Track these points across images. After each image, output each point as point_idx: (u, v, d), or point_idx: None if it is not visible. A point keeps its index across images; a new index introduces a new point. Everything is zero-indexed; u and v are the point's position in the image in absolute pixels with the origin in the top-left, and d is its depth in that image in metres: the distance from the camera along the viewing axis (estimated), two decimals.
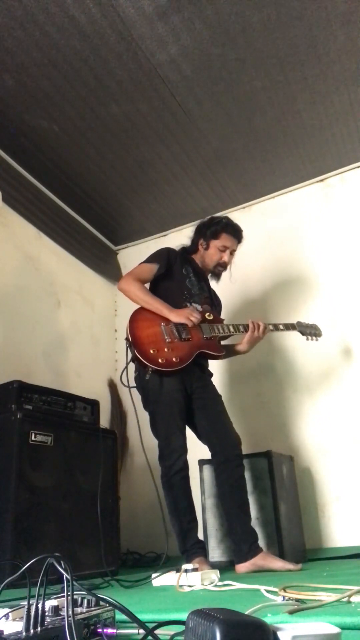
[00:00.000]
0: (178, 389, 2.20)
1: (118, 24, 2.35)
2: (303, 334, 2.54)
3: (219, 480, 2.19)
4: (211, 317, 2.39)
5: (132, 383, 2.27)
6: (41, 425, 2.10)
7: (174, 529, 2.11)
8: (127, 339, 2.24)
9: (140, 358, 2.15)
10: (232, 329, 2.37)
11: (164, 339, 2.21)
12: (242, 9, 2.32)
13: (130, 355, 2.23)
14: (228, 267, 2.57)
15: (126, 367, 2.21)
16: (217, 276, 2.61)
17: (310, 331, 2.56)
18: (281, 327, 2.48)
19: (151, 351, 2.16)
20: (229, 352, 2.46)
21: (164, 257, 2.44)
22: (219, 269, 2.55)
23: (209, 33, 2.42)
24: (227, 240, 2.50)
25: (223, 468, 2.16)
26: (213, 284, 2.68)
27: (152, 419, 2.23)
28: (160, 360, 2.15)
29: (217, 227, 2.51)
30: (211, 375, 2.43)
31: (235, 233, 2.54)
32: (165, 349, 2.19)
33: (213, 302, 2.58)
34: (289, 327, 2.50)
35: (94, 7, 2.27)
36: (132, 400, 2.26)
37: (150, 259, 2.43)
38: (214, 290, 2.66)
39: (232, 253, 2.54)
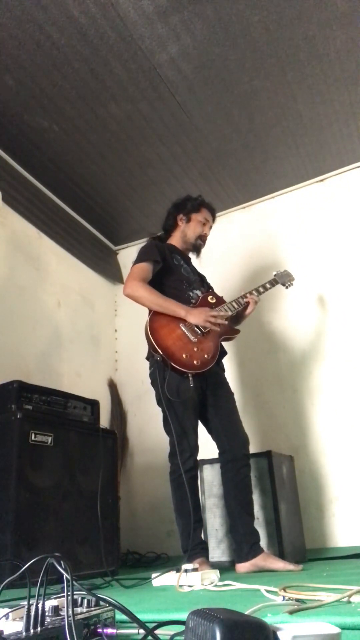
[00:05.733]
0: (195, 387, 2.17)
1: (118, 24, 2.35)
2: (284, 284, 2.68)
3: (224, 479, 2.18)
4: (214, 300, 2.39)
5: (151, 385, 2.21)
6: (41, 425, 2.10)
7: (179, 527, 2.10)
8: (155, 351, 2.14)
9: (178, 367, 2.10)
10: (235, 305, 2.39)
11: (190, 339, 2.18)
12: (242, 9, 2.32)
13: (155, 367, 2.18)
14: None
15: (165, 381, 2.11)
16: (198, 250, 2.59)
17: (287, 279, 2.70)
18: (267, 285, 2.58)
19: (184, 356, 2.13)
20: None
21: (155, 251, 2.38)
22: (199, 242, 2.55)
23: (209, 33, 2.42)
24: (207, 214, 2.57)
25: (230, 467, 2.16)
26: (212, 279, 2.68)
27: (166, 415, 2.17)
28: (195, 363, 2.13)
29: (196, 202, 2.58)
30: (224, 369, 2.42)
31: (212, 210, 2.63)
32: (195, 349, 2.17)
33: (204, 282, 2.59)
34: (273, 283, 2.61)
35: (94, 7, 2.27)
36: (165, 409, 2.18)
37: (145, 257, 2.35)
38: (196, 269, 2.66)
39: (210, 229, 2.59)
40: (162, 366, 2.15)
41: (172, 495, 2.13)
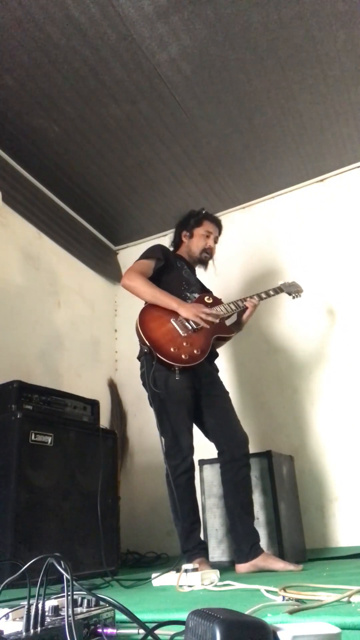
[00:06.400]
0: (187, 387, 2.17)
1: (118, 24, 2.36)
2: (290, 294, 2.66)
3: (224, 479, 2.17)
4: (211, 301, 2.40)
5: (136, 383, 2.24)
6: (41, 425, 2.10)
7: (177, 529, 2.09)
8: (144, 343, 2.16)
9: (164, 359, 2.10)
10: (233, 307, 2.40)
11: (179, 334, 2.18)
12: (242, 9, 2.32)
13: (144, 360, 2.19)
14: (213, 257, 2.61)
15: (151, 373, 2.11)
16: (204, 264, 2.61)
17: (294, 289, 2.68)
18: (271, 292, 2.58)
19: (172, 350, 2.12)
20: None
21: (159, 250, 2.44)
22: (204, 255, 2.56)
23: (209, 33, 2.42)
24: (210, 227, 2.57)
25: (229, 467, 2.15)
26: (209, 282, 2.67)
27: (159, 416, 2.16)
28: (184, 357, 2.12)
29: (198, 216, 2.59)
30: (217, 370, 2.42)
31: (216, 221, 2.63)
32: (185, 344, 2.16)
33: (204, 289, 2.61)
34: (277, 291, 2.61)
35: (94, 7, 2.27)
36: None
37: (148, 255, 2.41)
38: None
39: (215, 241, 2.59)
40: (150, 360, 2.15)
41: (169, 497, 2.11)
